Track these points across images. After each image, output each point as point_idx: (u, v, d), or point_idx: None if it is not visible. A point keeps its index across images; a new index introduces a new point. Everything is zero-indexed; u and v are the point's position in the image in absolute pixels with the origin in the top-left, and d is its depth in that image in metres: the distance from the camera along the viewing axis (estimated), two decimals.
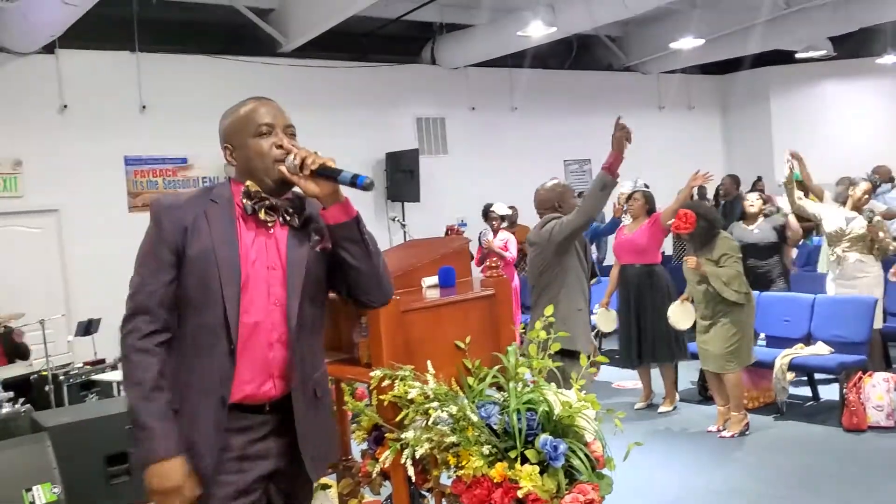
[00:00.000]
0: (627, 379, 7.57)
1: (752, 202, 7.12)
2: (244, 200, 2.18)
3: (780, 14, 10.75)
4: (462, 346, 3.13)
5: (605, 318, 6.94)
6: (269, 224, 2.20)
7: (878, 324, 6.44)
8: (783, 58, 13.80)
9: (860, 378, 5.80)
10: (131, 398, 2.08)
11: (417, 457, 2.83)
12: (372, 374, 2.94)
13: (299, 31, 9.63)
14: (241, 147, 2.21)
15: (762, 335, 6.76)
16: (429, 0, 10.21)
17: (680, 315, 6.13)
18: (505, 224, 8.88)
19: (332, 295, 2.37)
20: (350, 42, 10.69)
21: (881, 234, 6.37)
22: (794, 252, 8.34)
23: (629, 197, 7.00)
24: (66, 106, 8.73)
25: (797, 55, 13.11)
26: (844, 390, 5.82)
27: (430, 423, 2.84)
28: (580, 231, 4.33)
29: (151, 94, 9.21)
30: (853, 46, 13.99)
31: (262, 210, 2.18)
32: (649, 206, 6.78)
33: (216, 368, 2.12)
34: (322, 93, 10.33)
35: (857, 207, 6.57)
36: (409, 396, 2.85)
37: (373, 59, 11.07)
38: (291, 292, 2.18)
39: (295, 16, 9.62)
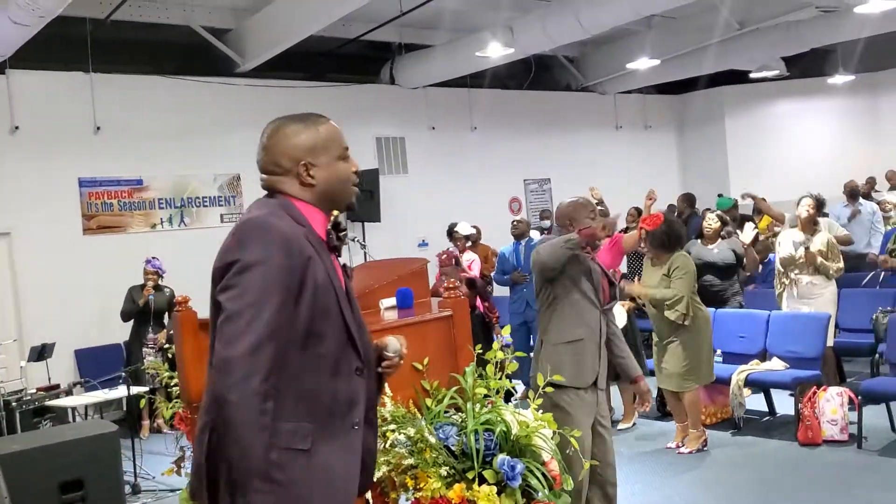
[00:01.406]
0: None
1: (710, 223, 7.21)
2: (332, 232, 2.12)
3: (733, 34, 10.97)
4: (420, 367, 3.13)
5: None
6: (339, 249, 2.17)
7: (831, 340, 6.56)
8: (737, 78, 14.07)
9: (815, 393, 5.89)
10: (255, 442, 1.88)
11: (375, 480, 2.81)
12: None
13: (257, 51, 9.60)
14: (325, 167, 2.12)
15: (718, 351, 6.85)
16: (387, 20, 10.26)
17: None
18: (470, 244, 8.90)
19: None
20: (308, 62, 10.68)
21: (819, 261, 6.50)
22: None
23: None
24: (17, 127, 8.57)
25: (751, 75, 13.38)
26: (799, 405, 5.91)
27: (387, 445, 2.82)
28: (545, 270, 3.95)
29: (106, 114, 9.09)
30: (806, 66, 14.32)
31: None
32: None
33: (344, 393, 2.05)
34: (280, 112, 9.91)
35: (804, 228, 6.71)
36: None
37: (331, 78, 11.07)
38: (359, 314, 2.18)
39: (252, 36, 9.59)
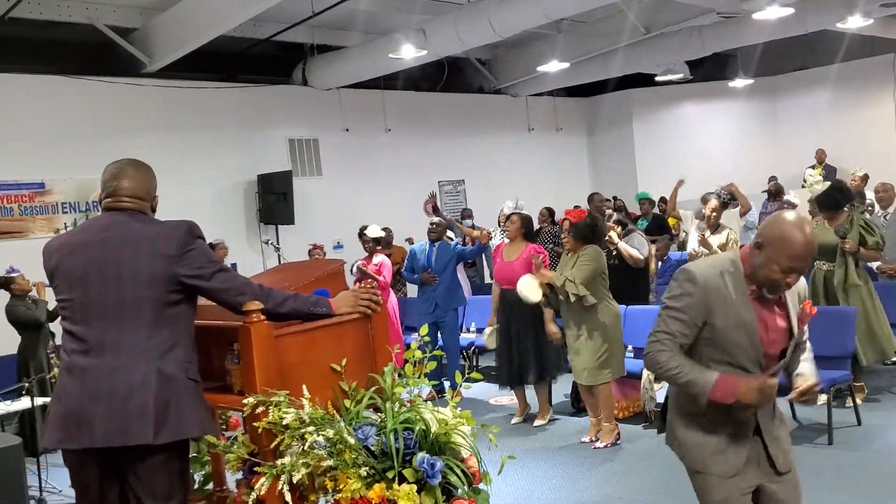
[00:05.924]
0: (503, 395, 7.69)
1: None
2: None
3: (639, 39, 11.28)
4: (338, 368, 3.11)
5: (493, 337, 7.07)
6: None
7: None
8: (644, 81, 14.46)
9: None
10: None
11: (294, 482, 2.79)
12: (245, 401, 2.87)
13: (164, 51, 9.36)
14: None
15: (629, 346, 7.00)
16: (299, 21, 10.16)
17: (529, 287, 6.12)
18: (379, 246, 8.88)
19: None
20: (219, 62, 10.49)
21: (714, 248, 6.73)
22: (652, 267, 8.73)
23: (507, 218, 7.11)
24: None
25: (657, 78, 13.78)
26: None
27: (306, 447, 2.80)
28: None
29: (5, 115, 8.73)
30: (708, 70, 14.84)
31: None
32: (525, 230, 6.91)
33: None
34: (190, 114, 10.07)
35: (710, 225, 6.95)
36: (284, 422, 2.80)
37: (242, 79, 10.90)
38: None
39: (159, 35, 9.35)
